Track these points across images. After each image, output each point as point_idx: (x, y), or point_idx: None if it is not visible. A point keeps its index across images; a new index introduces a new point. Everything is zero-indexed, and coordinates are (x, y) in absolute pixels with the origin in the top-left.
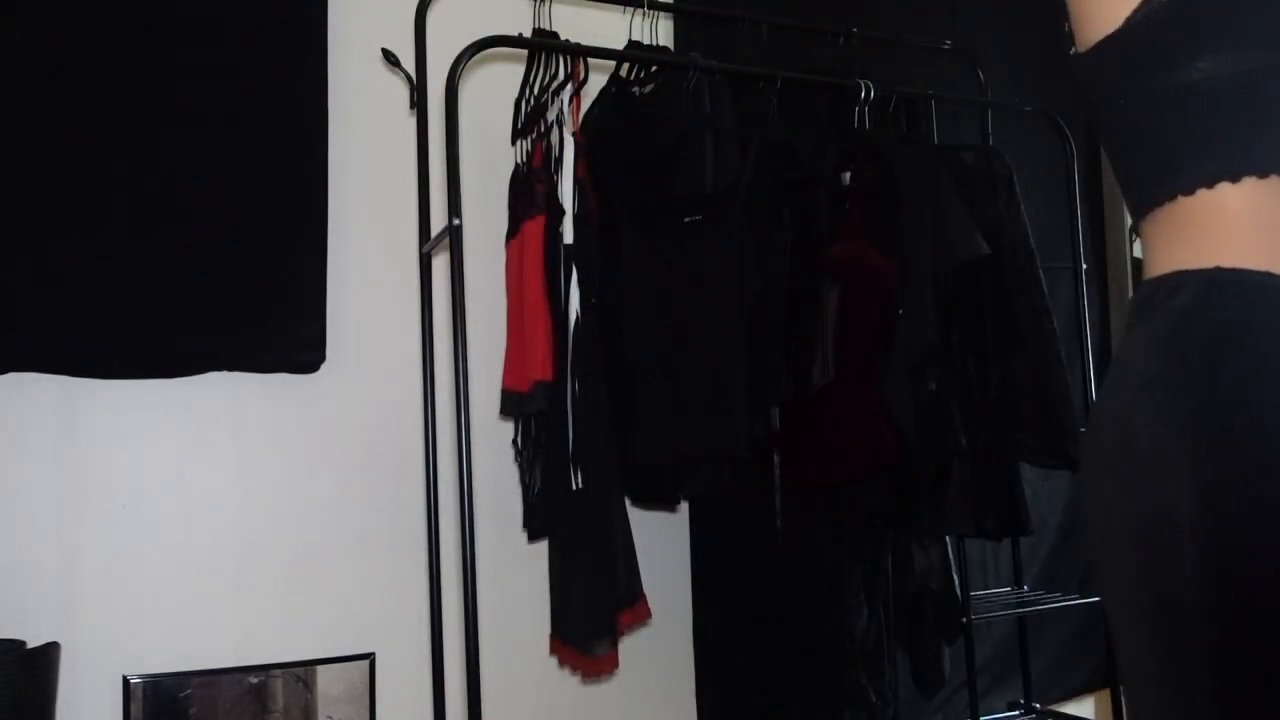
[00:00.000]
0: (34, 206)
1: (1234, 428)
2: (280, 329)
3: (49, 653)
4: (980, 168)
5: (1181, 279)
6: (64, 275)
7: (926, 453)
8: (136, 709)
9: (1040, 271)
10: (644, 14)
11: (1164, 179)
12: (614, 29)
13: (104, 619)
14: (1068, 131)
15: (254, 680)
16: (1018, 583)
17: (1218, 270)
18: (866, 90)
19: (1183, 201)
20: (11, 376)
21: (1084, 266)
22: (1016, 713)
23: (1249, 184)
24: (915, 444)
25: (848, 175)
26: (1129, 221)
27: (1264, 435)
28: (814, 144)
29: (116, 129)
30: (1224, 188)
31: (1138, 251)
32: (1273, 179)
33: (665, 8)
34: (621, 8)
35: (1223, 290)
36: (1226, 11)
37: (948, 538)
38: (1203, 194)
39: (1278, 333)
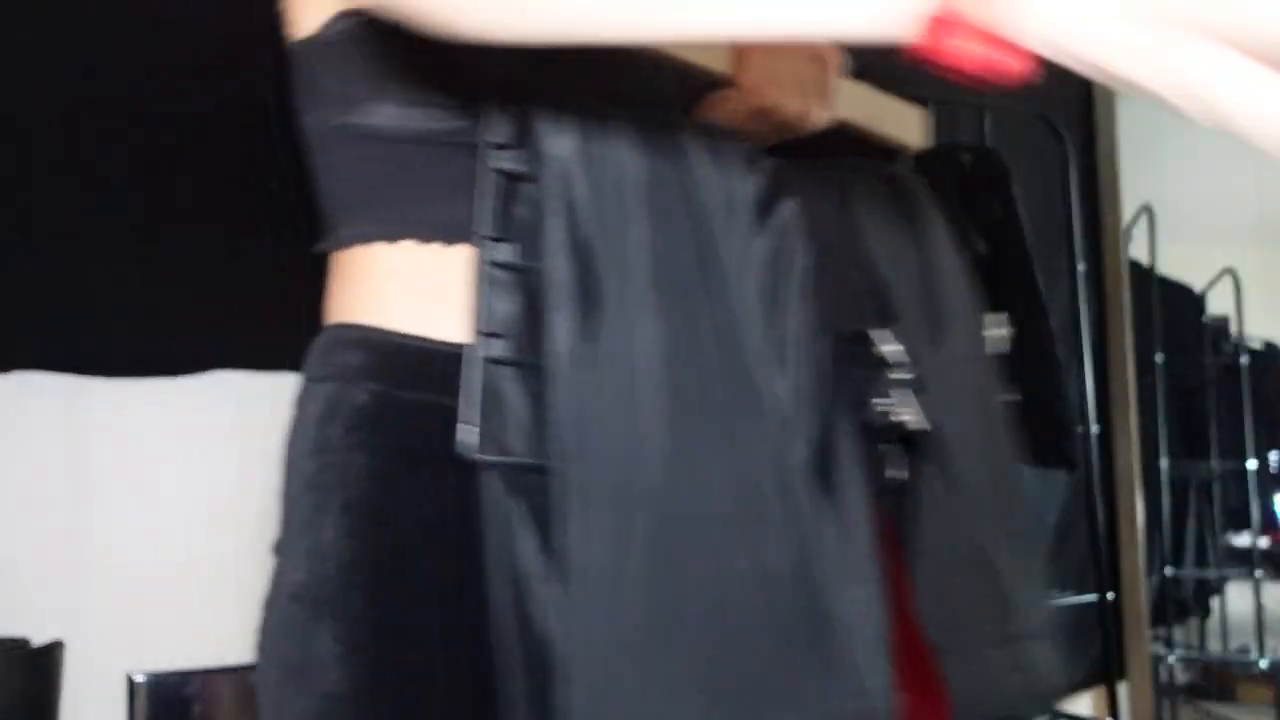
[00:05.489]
0: (35, 205)
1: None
2: (283, 327)
3: (53, 651)
4: (977, 168)
5: (349, 334)
6: (66, 273)
7: None
8: (140, 707)
9: (1037, 272)
10: None
11: (331, 224)
12: None
13: (108, 618)
14: (1064, 133)
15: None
16: None
17: (376, 331)
18: None
19: (345, 253)
20: (15, 375)
21: (1081, 267)
22: None
23: (407, 247)
24: None
25: None
26: (1125, 222)
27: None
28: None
29: (116, 128)
30: (380, 248)
31: (1134, 253)
32: (436, 246)
33: None
34: None
35: (380, 356)
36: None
37: None
38: (359, 250)
39: (415, 407)
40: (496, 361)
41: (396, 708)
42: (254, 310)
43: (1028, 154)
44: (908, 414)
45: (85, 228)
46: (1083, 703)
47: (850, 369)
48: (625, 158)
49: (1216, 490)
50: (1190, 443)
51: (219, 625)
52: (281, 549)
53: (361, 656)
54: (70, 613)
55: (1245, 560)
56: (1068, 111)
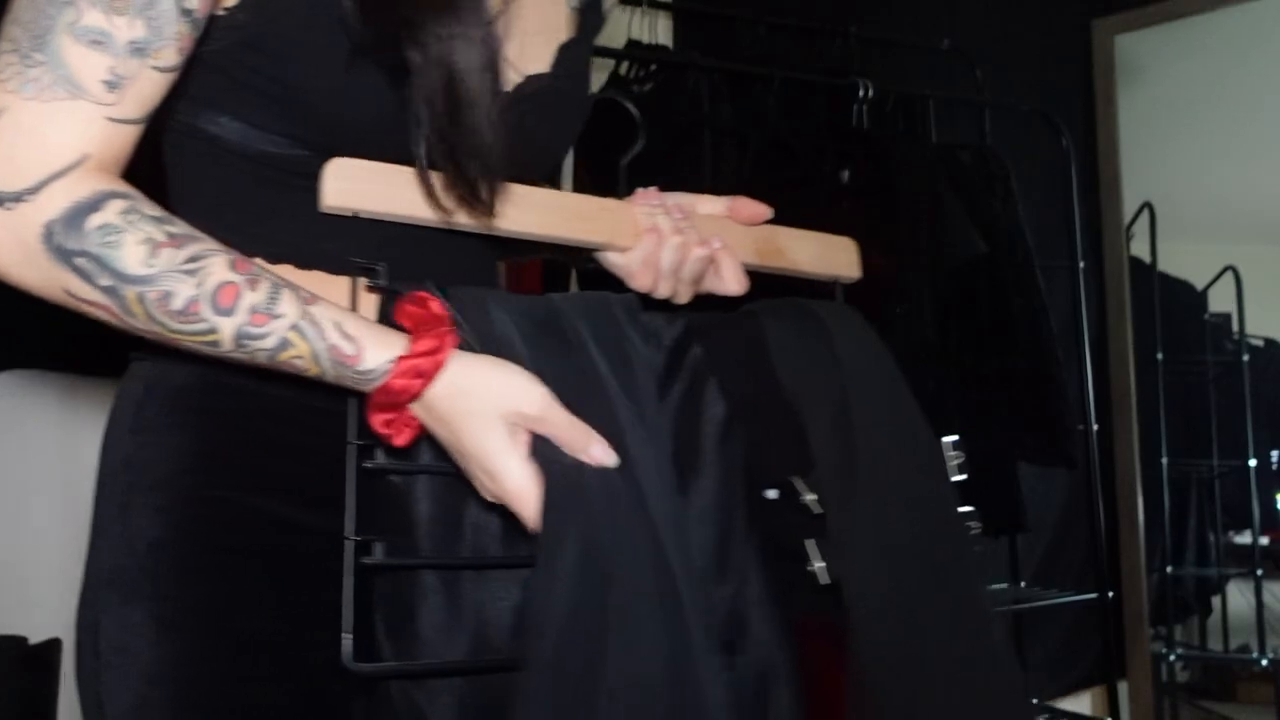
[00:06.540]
0: None
1: None
2: None
3: (50, 649)
4: (977, 167)
5: None
6: None
7: None
8: None
9: (1037, 270)
10: (643, 12)
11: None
12: (613, 28)
13: None
14: (1064, 130)
15: None
16: (1015, 579)
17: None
18: (864, 89)
19: None
20: (14, 373)
21: (1081, 265)
22: None
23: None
24: None
25: (846, 174)
26: (1126, 220)
27: None
28: (812, 143)
29: None
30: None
31: (1135, 250)
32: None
33: (664, 6)
34: (620, 6)
35: None
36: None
37: None
38: None
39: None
40: (374, 569)
41: (218, 687)
42: None
43: (1028, 151)
44: (818, 566)
45: None
46: (1083, 702)
47: (776, 519)
48: (514, 341)
49: (1217, 488)
50: (1191, 441)
51: None
52: (95, 535)
53: (175, 636)
54: (67, 611)
55: (1246, 559)
56: (1068, 109)
